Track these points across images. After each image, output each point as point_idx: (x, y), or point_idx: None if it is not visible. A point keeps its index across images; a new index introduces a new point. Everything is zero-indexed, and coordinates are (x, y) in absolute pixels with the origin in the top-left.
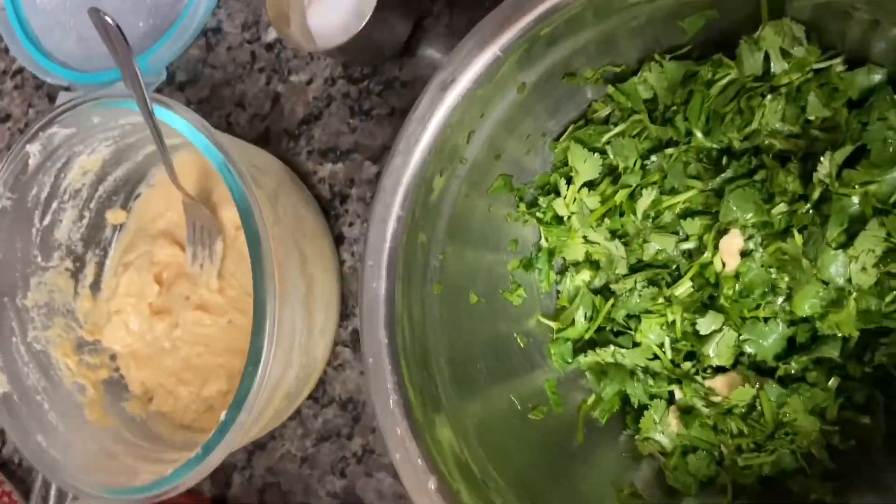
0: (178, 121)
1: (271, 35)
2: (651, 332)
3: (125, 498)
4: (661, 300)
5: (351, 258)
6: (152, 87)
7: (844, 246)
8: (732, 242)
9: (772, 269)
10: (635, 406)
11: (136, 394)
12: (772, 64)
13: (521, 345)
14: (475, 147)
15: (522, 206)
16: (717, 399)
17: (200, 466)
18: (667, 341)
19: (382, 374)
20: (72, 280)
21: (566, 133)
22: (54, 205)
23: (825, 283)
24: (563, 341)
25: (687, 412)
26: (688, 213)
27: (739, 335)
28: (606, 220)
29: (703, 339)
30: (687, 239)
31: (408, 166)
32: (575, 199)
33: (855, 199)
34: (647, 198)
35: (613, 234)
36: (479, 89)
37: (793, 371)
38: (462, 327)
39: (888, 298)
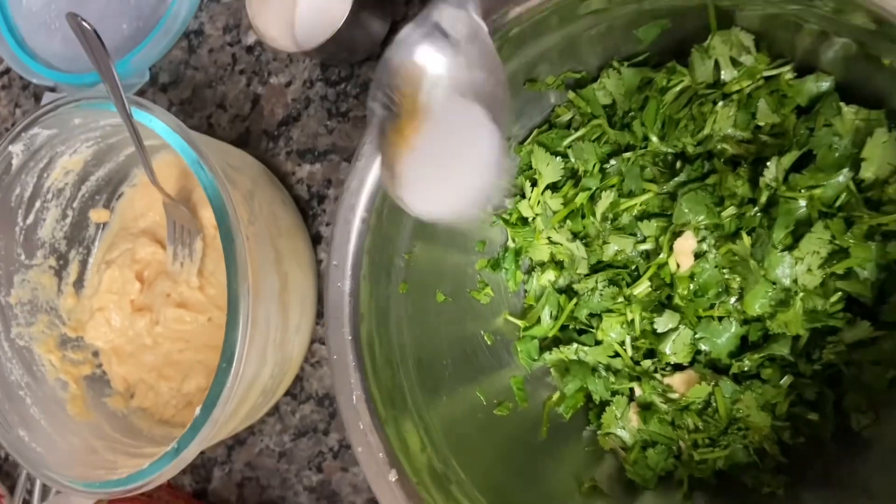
0: (154, 122)
1: (251, 38)
2: (612, 331)
3: (103, 491)
4: (620, 299)
5: (328, 257)
6: (136, 88)
7: (791, 248)
8: (686, 244)
9: (724, 270)
10: (597, 402)
11: (118, 389)
12: (722, 72)
13: (489, 342)
14: None
15: (489, 208)
16: (674, 396)
17: (175, 461)
18: (627, 339)
19: (346, 371)
20: (55, 278)
21: (530, 137)
22: (37, 204)
23: (774, 283)
24: (529, 339)
25: (646, 408)
26: (645, 216)
27: (695, 333)
28: (568, 222)
29: (661, 337)
30: (644, 240)
31: (371, 169)
32: (539, 202)
33: (802, 203)
34: (605, 200)
35: (575, 235)
36: None
37: (746, 368)
38: (428, 325)
39: (833, 299)
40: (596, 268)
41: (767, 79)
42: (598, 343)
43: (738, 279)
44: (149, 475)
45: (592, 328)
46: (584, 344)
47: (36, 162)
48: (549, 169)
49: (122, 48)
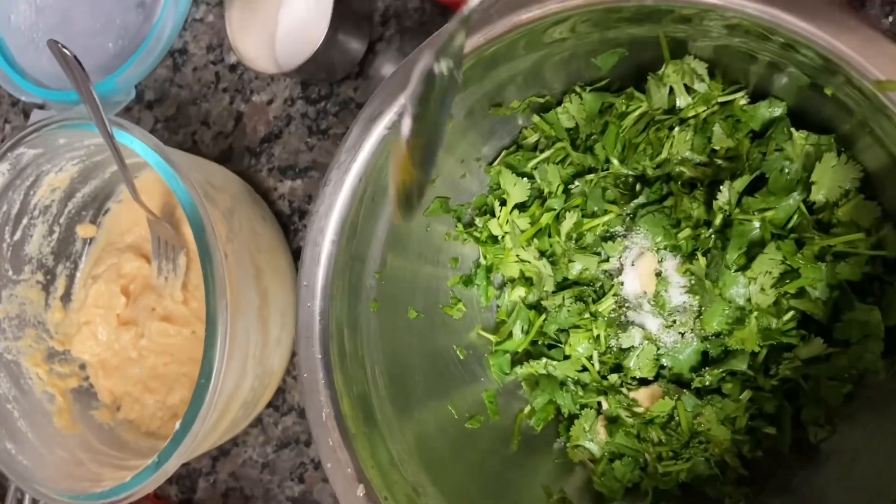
0: (134, 142)
1: (234, 57)
2: (579, 346)
3: (88, 503)
4: (587, 315)
5: (298, 277)
6: (122, 106)
7: (745, 268)
8: (647, 264)
9: (682, 289)
10: (566, 415)
11: (105, 402)
12: (677, 98)
13: (461, 357)
14: None
15: (460, 227)
16: (639, 410)
17: (156, 474)
18: (594, 354)
19: (316, 388)
20: (43, 292)
21: (499, 158)
22: (24, 220)
23: (730, 302)
24: (501, 353)
25: (613, 421)
26: (607, 236)
27: (658, 349)
28: (535, 241)
29: (626, 352)
30: (608, 260)
31: (339, 194)
32: (507, 220)
33: (755, 224)
34: (569, 220)
35: (542, 253)
36: None
37: (707, 383)
38: (400, 341)
39: (786, 317)
40: (563, 285)
41: (722, 104)
42: (566, 358)
43: (696, 298)
44: (131, 488)
45: (561, 343)
46: (553, 358)
47: (22, 180)
48: (517, 189)
49: (108, 66)
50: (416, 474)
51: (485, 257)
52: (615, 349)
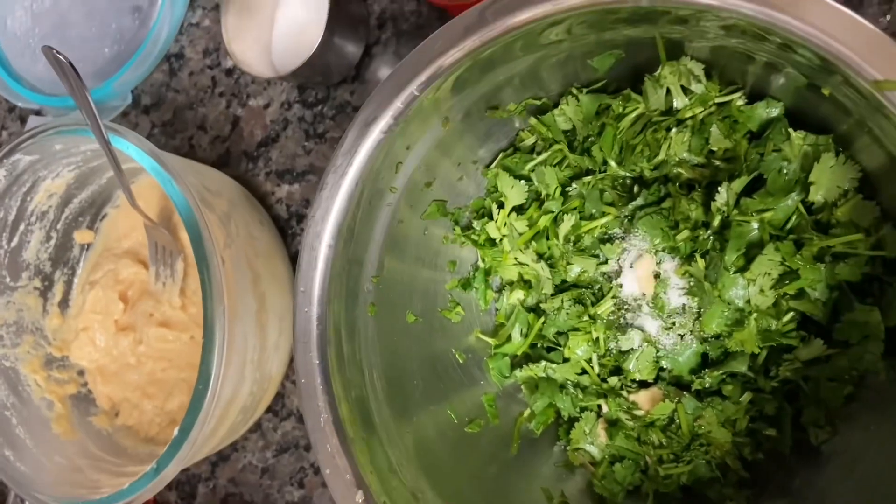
0: (130, 147)
1: (230, 61)
2: (578, 348)
3: None
4: (585, 318)
5: (295, 282)
6: (119, 111)
7: (743, 270)
8: (646, 266)
9: (681, 290)
10: (566, 419)
11: (104, 408)
12: (674, 100)
13: (460, 361)
14: (405, 176)
15: (458, 230)
16: (639, 412)
17: (155, 481)
18: (594, 357)
19: (314, 394)
20: (40, 298)
21: (496, 160)
22: (21, 227)
23: (729, 304)
24: (500, 357)
25: (613, 424)
26: (606, 238)
27: (657, 351)
28: (534, 243)
29: (625, 354)
30: (606, 262)
31: (335, 198)
32: (505, 223)
33: (754, 226)
34: (567, 223)
35: (540, 256)
36: (401, 125)
37: (707, 385)
38: (398, 346)
39: (785, 318)
40: (561, 287)
41: (720, 105)
42: (565, 360)
43: (695, 299)
44: (130, 494)
45: (560, 346)
46: (552, 361)
47: (19, 186)
48: (514, 192)
49: (105, 72)
50: (415, 479)
51: (483, 260)
52: (614, 352)
